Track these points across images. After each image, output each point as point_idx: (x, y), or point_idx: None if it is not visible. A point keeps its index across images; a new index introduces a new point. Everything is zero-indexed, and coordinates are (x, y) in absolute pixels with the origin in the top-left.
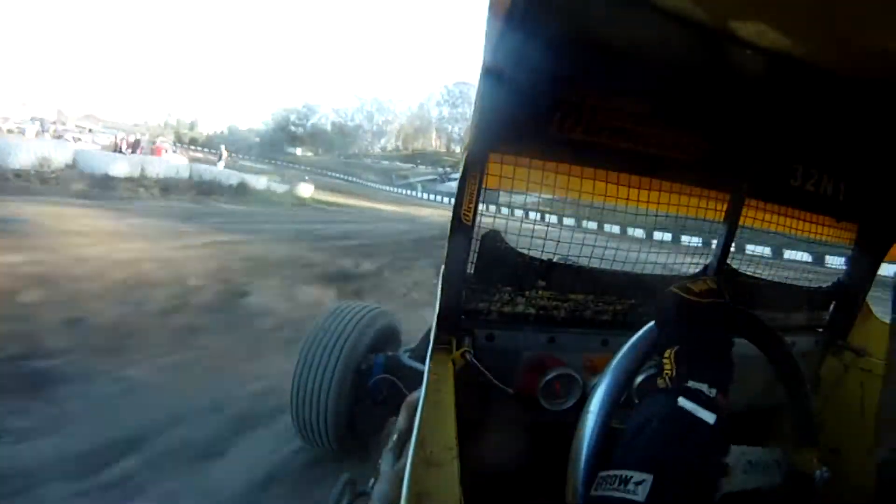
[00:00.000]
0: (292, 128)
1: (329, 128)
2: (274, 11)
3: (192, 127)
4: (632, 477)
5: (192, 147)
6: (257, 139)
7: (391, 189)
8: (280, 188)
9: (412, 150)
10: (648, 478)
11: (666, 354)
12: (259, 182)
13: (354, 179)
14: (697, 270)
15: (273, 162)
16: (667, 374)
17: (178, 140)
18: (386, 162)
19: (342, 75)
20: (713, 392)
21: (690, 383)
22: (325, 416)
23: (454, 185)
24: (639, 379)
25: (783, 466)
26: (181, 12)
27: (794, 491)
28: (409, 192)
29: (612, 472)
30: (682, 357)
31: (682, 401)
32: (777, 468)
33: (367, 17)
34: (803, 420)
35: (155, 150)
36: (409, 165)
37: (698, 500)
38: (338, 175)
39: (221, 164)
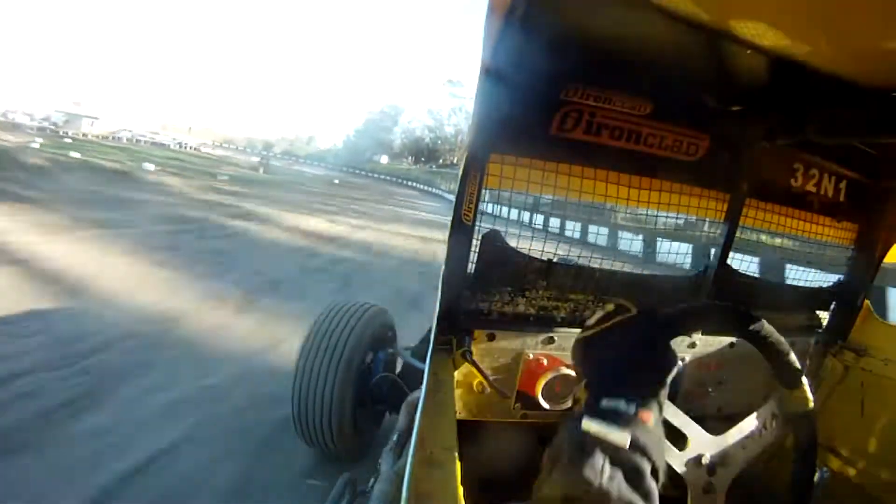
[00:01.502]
0: (380, 133)
1: (425, 133)
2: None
3: (309, 142)
4: None
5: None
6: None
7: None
8: None
9: None
10: None
11: (579, 393)
12: None
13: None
14: (698, 271)
15: (348, 171)
16: (577, 400)
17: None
18: None
19: (436, 70)
20: (632, 407)
21: (603, 402)
22: (329, 416)
23: None
24: None
25: (779, 415)
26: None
27: (796, 431)
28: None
29: None
30: (592, 384)
31: (586, 423)
32: (774, 421)
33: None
34: (784, 364)
35: None
36: None
37: None
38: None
39: None
